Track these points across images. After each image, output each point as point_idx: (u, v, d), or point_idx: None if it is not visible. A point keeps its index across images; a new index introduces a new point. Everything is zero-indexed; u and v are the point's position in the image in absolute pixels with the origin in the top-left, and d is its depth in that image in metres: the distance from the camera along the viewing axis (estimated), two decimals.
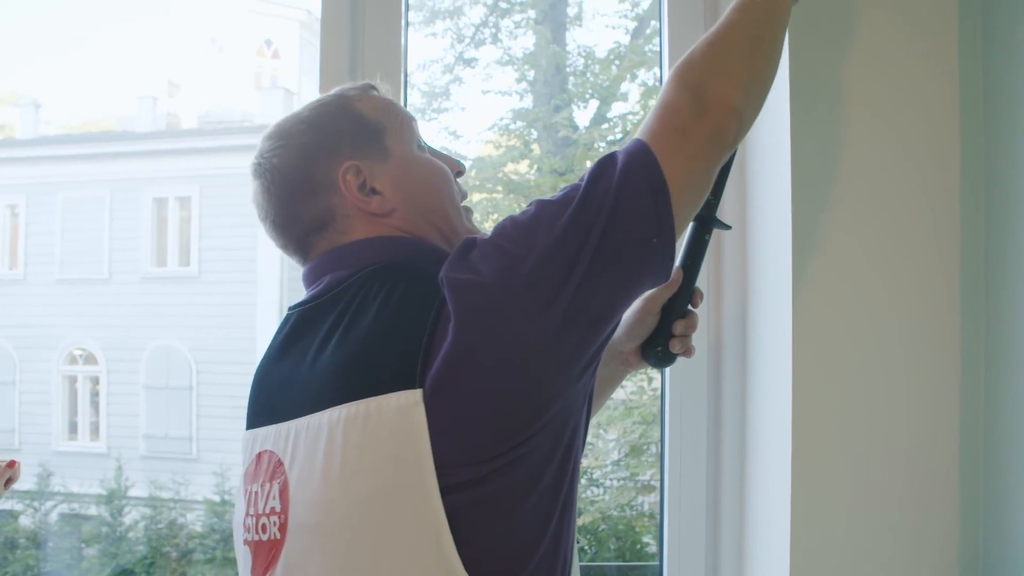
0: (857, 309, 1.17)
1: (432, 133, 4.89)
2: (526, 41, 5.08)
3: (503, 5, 5.08)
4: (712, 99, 0.90)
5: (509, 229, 0.84)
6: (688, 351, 1.06)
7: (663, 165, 0.86)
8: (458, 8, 5.11)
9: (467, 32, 5.11)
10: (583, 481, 3.43)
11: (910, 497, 1.17)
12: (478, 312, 0.80)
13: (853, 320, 1.17)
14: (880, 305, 1.17)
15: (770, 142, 1.24)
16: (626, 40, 4.72)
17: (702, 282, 1.14)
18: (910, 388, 1.18)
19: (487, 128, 4.88)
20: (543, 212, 0.84)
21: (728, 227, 1.08)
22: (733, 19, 0.95)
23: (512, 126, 4.66)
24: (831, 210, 1.18)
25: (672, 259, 0.87)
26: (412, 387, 0.79)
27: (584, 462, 3.70)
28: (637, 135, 0.89)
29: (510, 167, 4.53)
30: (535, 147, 4.52)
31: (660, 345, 1.06)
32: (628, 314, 1.00)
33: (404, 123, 0.98)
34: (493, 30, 5.07)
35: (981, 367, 1.16)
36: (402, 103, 1.36)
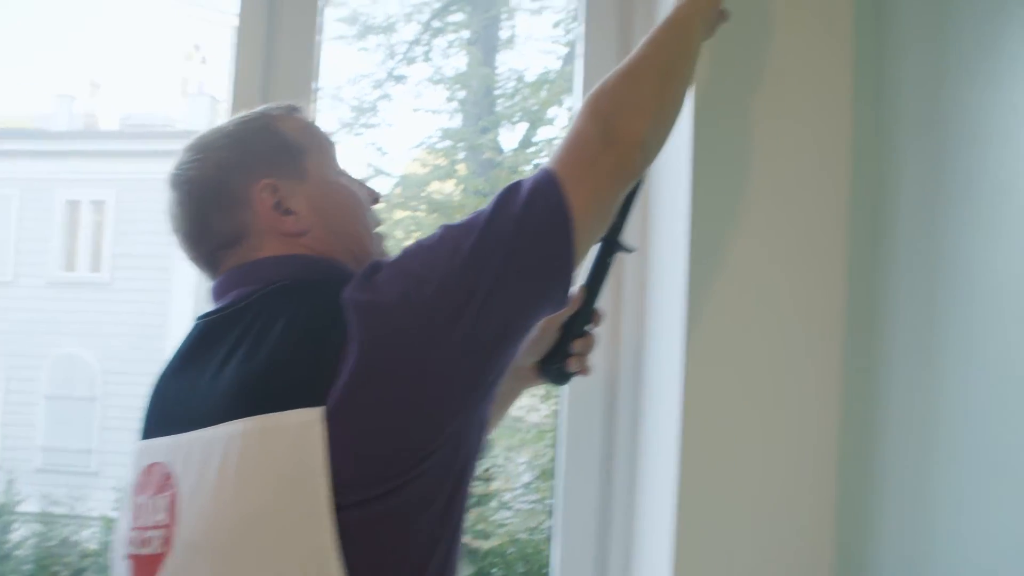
0: (749, 338, 1.20)
1: (359, 148, 4.87)
2: (458, 61, 5.10)
3: (436, 24, 5.09)
4: (620, 131, 0.93)
5: (414, 252, 0.86)
6: (585, 370, 1.08)
7: (567, 194, 0.88)
8: (391, 24, 5.11)
9: (399, 49, 5.11)
10: (493, 504, 3.41)
11: (792, 526, 1.20)
12: (380, 333, 0.81)
13: (744, 349, 1.20)
14: (771, 336, 1.20)
15: (673, 169, 1.26)
16: (557, 66, 4.77)
17: (603, 305, 1.15)
18: (795, 419, 1.21)
19: (414, 146, 4.88)
20: (448, 236, 0.86)
21: (632, 250, 1.10)
22: (644, 52, 0.98)
23: (439, 145, 4.67)
24: (728, 237, 1.21)
25: (570, 286, 0.89)
26: (313, 405, 0.79)
27: (494, 485, 3.66)
28: (546, 163, 0.92)
29: (435, 186, 4.53)
30: (461, 167, 4.53)
31: (558, 363, 1.07)
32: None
33: (324, 147, 0.98)
34: (426, 48, 5.08)
35: (863, 396, 1.19)
36: (313, 115, 1.35)
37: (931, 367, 1.06)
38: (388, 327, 0.81)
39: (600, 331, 1.16)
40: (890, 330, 1.17)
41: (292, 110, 1.00)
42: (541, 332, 1.06)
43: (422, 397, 0.81)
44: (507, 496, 3.86)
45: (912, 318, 1.11)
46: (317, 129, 1.01)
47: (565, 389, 1.37)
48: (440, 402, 0.83)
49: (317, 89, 1.39)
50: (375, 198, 1.01)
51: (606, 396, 1.36)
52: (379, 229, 1.01)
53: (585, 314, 1.06)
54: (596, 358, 1.21)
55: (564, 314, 1.04)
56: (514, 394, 1.14)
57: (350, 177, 1.00)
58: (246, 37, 1.35)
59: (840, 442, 1.21)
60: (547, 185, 0.88)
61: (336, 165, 0.99)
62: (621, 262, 1.32)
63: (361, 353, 0.80)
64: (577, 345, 1.06)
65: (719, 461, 1.20)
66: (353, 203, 0.98)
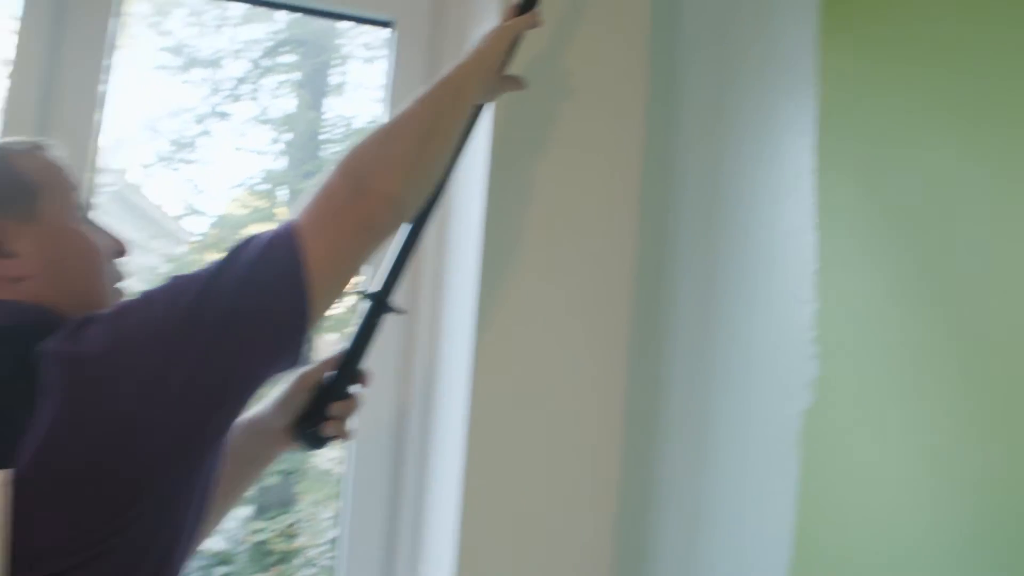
0: (534, 392, 1.23)
1: (175, 184, 4.65)
2: (286, 103, 4.99)
3: (266, 64, 4.98)
4: (370, 186, 0.93)
5: (133, 303, 0.82)
6: (343, 435, 1.05)
7: (306, 248, 0.87)
8: (218, 59, 4.95)
9: (226, 85, 4.95)
10: (297, 561, 3.27)
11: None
12: (82, 388, 0.76)
13: (529, 402, 1.22)
14: (556, 393, 1.23)
15: (465, 230, 1.28)
16: (386, 116, 4.76)
17: (392, 362, 1.14)
18: (578, 473, 1.24)
19: (234, 186, 4.71)
20: (172, 287, 0.83)
21: (403, 312, 1.09)
22: (409, 109, 1.00)
23: (261, 187, 4.53)
24: (517, 291, 1.24)
25: (303, 344, 0.88)
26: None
27: (299, 541, 3.53)
28: (290, 216, 0.90)
29: (255, 228, 4.36)
30: (282, 211, 4.41)
31: (312, 426, 1.04)
32: (282, 389, 0.99)
33: (65, 190, 0.93)
34: (253, 87, 4.95)
35: (642, 443, 1.24)
36: (94, 147, 1.28)
37: (705, 404, 1.13)
38: (92, 381, 0.76)
39: (387, 387, 1.15)
40: (669, 363, 1.23)
41: (36, 148, 0.96)
42: (294, 390, 1.03)
43: (126, 457, 0.76)
44: (312, 552, 3.72)
45: (689, 354, 1.18)
46: (62, 171, 0.96)
47: (353, 442, 1.35)
48: (146, 464, 0.77)
49: (100, 120, 1.33)
50: (120, 251, 0.96)
51: (394, 448, 1.35)
52: (120, 284, 0.96)
53: (346, 375, 1.04)
54: (387, 410, 1.19)
55: (319, 373, 1.02)
56: (265, 460, 1.09)
57: (94, 226, 0.95)
58: (23, 62, 1.27)
59: (619, 494, 1.25)
60: (284, 237, 0.87)
61: (77, 212, 0.94)
62: (414, 316, 1.32)
63: (59, 410, 0.74)
64: (335, 408, 1.03)
65: (500, 511, 1.21)
66: (90, 253, 0.93)
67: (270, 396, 0.99)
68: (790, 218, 0.99)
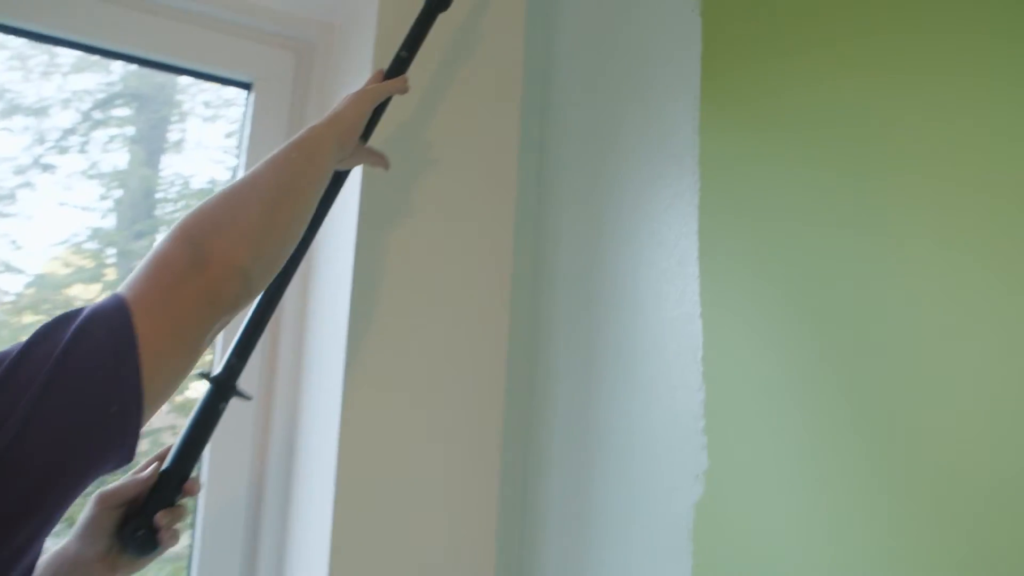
0: (399, 484, 1.17)
1: None
2: (118, 158, 4.73)
3: (98, 116, 4.72)
4: (214, 254, 0.85)
5: None
6: (175, 537, 0.95)
7: (137, 322, 0.78)
8: (44, 108, 4.65)
9: (52, 135, 4.65)
10: None
11: None
12: None
13: (394, 490, 1.16)
14: (424, 475, 1.18)
15: (331, 303, 1.23)
16: (226, 176, 4.59)
17: (247, 435, 1.04)
18: (447, 571, 1.19)
19: (57, 243, 4.39)
20: None
21: (248, 398, 1.01)
22: (257, 172, 0.93)
23: (87, 246, 4.25)
24: (381, 374, 1.19)
25: (135, 436, 0.78)
26: None
27: None
28: (118, 288, 0.81)
29: (78, 289, 4.08)
30: (110, 272, 4.13)
31: (146, 524, 0.93)
32: (84, 515, 0.88)
33: None
34: (83, 139, 4.67)
35: (520, 536, 1.19)
36: None
37: (588, 502, 1.09)
38: None
39: (241, 461, 1.05)
40: (548, 454, 1.19)
41: None
42: (98, 515, 0.92)
43: None
44: None
45: (570, 445, 1.14)
46: None
47: (201, 518, 1.23)
48: None
49: None
50: None
51: (247, 528, 1.24)
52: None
53: (183, 464, 0.94)
54: (241, 484, 1.10)
55: (126, 491, 0.92)
56: None
57: None
58: None
59: (497, 548, 1.19)
60: (111, 310, 0.77)
61: None
62: (271, 393, 1.23)
63: None
64: (164, 517, 0.93)
65: None
66: None
67: (73, 530, 0.87)
68: (674, 304, 0.98)
